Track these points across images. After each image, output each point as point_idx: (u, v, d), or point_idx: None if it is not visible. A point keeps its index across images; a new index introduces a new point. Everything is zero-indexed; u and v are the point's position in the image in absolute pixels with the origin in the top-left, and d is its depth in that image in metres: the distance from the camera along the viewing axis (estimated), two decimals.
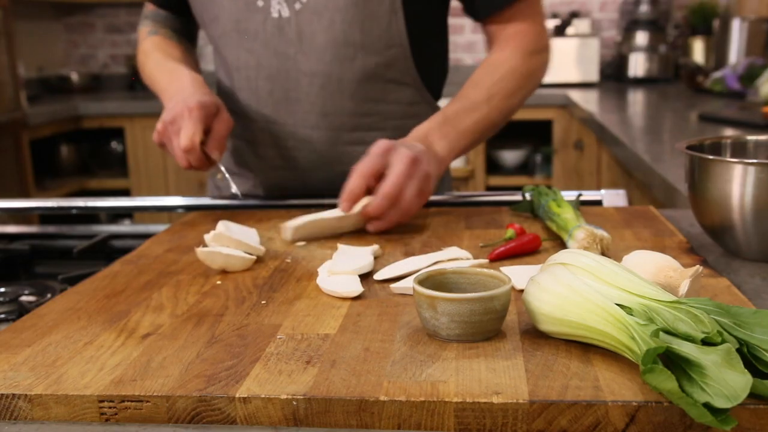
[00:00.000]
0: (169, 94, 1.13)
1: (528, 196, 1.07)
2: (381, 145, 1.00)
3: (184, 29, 1.34)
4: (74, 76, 4.25)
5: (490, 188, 3.66)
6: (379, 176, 0.99)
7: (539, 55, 1.20)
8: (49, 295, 0.89)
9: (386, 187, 0.97)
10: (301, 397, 0.56)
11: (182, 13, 1.30)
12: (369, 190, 1.00)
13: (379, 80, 1.19)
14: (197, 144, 1.04)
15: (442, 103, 1.32)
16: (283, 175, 1.27)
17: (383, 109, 1.22)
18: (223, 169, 1.07)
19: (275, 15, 1.15)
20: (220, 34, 1.21)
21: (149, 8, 1.34)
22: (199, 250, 0.87)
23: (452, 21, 1.27)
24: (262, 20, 1.16)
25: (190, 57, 1.30)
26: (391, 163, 0.99)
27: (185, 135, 1.03)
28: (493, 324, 0.65)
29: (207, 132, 1.07)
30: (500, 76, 1.15)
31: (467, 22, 4.05)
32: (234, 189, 1.13)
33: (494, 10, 1.18)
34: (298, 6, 1.14)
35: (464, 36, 4.13)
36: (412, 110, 1.23)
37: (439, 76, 1.30)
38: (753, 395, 0.52)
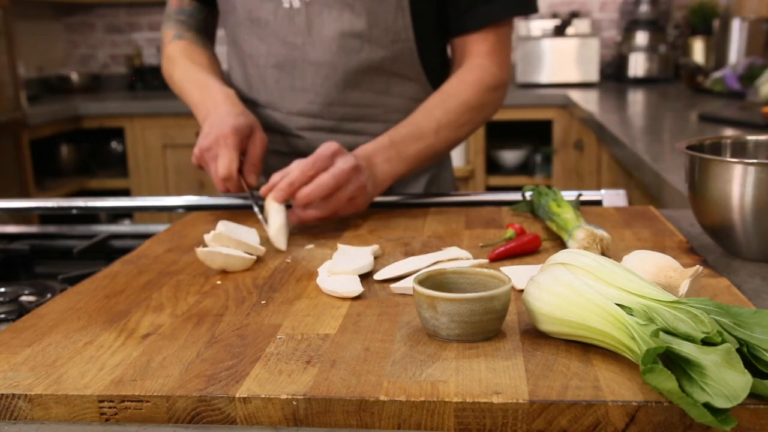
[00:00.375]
0: (203, 111, 1.15)
1: (528, 196, 1.07)
2: (329, 146, 1.02)
3: (207, 27, 1.36)
4: (74, 76, 4.25)
5: (490, 188, 3.65)
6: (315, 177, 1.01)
7: (495, 91, 1.22)
8: (49, 295, 0.89)
9: (325, 177, 0.99)
10: (301, 397, 0.56)
11: (210, 1, 1.32)
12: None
13: (383, 73, 1.21)
14: (234, 172, 1.05)
15: None
16: (287, 161, 1.28)
17: (387, 102, 1.24)
18: (256, 210, 1.07)
19: (286, 5, 1.18)
20: (235, 23, 1.25)
21: (174, 5, 1.35)
22: (199, 250, 0.87)
23: None
24: (274, 10, 1.19)
25: (216, 64, 1.32)
26: (335, 164, 1.01)
27: (222, 164, 1.05)
28: (493, 324, 0.65)
29: (243, 152, 1.10)
30: (452, 107, 1.17)
31: None
32: (266, 227, 1.05)
33: (460, 31, 1.22)
34: None
35: None
36: (415, 105, 1.24)
37: (445, 73, 1.31)
38: (753, 395, 0.52)
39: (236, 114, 1.10)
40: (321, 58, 1.19)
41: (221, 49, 1.40)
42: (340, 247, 0.92)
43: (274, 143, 1.28)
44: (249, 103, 1.29)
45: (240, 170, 1.08)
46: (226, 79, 1.29)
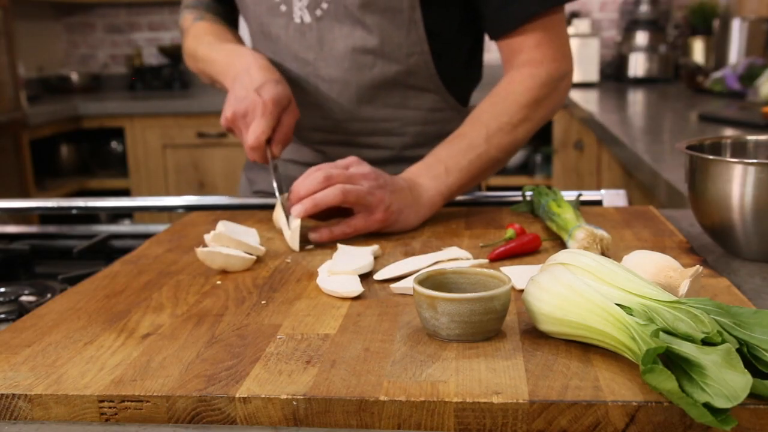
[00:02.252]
0: (231, 73, 1.10)
1: (528, 196, 1.07)
2: (352, 160, 0.99)
3: (228, 16, 1.32)
4: (74, 76, 4.25)
5: (490, 188, 3.65)
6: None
7: (552, 84, 1.12)
8: (49, 295, 0.89)
9: (311, 180, 0.95)
10: (301, 397, 0.56)
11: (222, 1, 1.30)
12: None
13: (398, 87, 1.17)
14: (263, 143, 1.03)
15: (469, 109, 1.30)
16: (300, 172, 1.27)
17: (403, 115, 1.19)
18: (275, 185, 1.05)
19: (297, 20, 1.15)
20: (251, 33, 1.23)
21: None
22: (199, 250, 0.87)
23: None
24: (285, 25, 1.16)
25: (243, 42, 1.27)
26: (351, 175, 0.97)
27: (254, 133, 1.02)
28: (493, 324, 0.65)
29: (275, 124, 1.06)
30: (502, 109, 1.09)
31: None
32: (276, 189, 1.07)
33: (506, 29, 1.13)
34: (319, 12, 1.13)
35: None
36: (434, 116, 1.21)
37: (468, 82, 1.26)
38: (753, 395, 0.52)
39: (275, 81, 1.05)
40: (333, 75, 1.16)
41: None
42: (340, 247, 0.92)
43: (290, 153, 1.26)
44: None
45: (268, 140, 1.05)
46: None
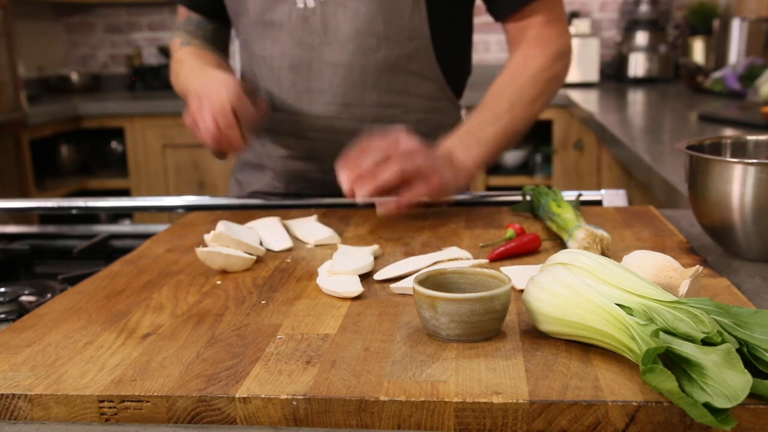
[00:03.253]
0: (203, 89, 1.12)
1: (528, 196, 1.07)
2: (394, 132, 1.00)
3: (217, 38, 1.34)
4: (74, 76, 4.25)
5: (490, 188, 3.65)
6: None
7: (561, 59, 1.20)
8: (49, 295, 0.89)
9: (368, 160, 0.95)
10: (301, 397, 0.56)
11: (215, 15, 1.31)
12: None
13: (401, 72, 1.19)
14: (227, 107, 1.01)
15: (462, 103, 1.32)
16: (304, 166, 1.28)
17: (405, 102, 1.22)
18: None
19: (300, 5, 1.16)
20: (247, 25, 1.23)
21: (182, 17, 1.34)
22: (199, 250, 0.87)
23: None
24: (288, 11, 1.17)
25: (226, 65, 1.30)
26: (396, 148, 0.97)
27: (216, 99, 1.02)
28: (493, 324, 0.65)
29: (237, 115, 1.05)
30: (521, 84, 1.15)
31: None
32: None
33: (513, 9, 1.18)
34: None
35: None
36: (433, 105, 1.23)
37: (461, 73, 1.30)
38: (753, 395, 0.52)
39: (238, 78, 1.07)
40: (338, 59, 1.17)
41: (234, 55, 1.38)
42: (340, 247, 0.92)
43: (291, 148, 1.27)
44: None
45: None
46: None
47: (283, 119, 1.25)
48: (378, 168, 0.94)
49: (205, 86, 1.06)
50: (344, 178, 0.95)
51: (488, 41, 4.00)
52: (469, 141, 1.10)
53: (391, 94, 1.21)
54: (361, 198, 0.94)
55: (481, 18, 1.40)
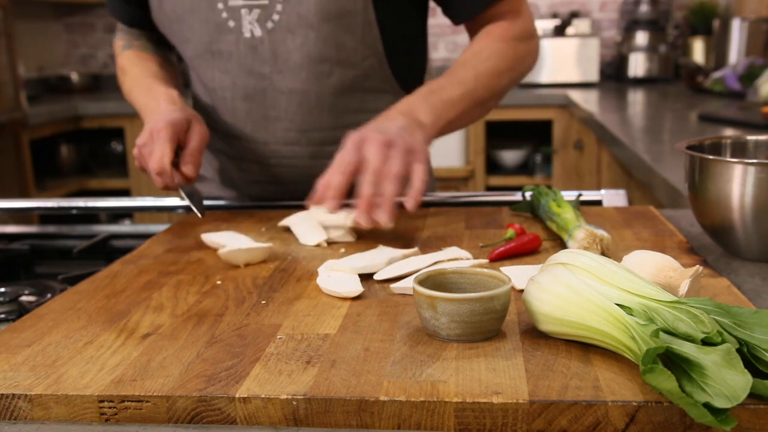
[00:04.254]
0: (147, 114, 1.14)
1: (528, 196, 1.07)
2: (353, 138, 0.94)
3: (160, 41, 1.30)
4: (74, 76, 4.25)
5: (490, 188, 3.65)
6: (356, 171, 0.92)
7: (526, 41, 1.17)
8: (49, 295, 0.89)
9: (365, 187, 0.90)
10: (301, 397, 0.56)
11: (153, 30, 1.27)
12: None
13: (357, 91, 1.17)
14: (167, 165, 1.03)
15: None
16: (268, 189, 1.26)
17: (363, 119, 1.15)
18: (183, 195, 1.07)
19: (247, 35, 1.13)
20: (193, 55, 1.19)
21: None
22: (222, 252, 0.89)
23: (444, 20, 1.25)
24: (235, 40, 1.14)
25: (167, 67, 1.28)
26: (365, 156, 0.92)
27: (154, 159, 1.03)
28: (493, 324, 0.65)
29: (182, 148, 1.07)
30: (487, 56, 1.13)
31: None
32: (195, 211, 1.09)
33: (471, 15, 1.16)
34: (270, 25, 1.11)
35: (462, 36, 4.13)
36: None
37: (417, 72, 1.27)
38: (753, 395, 0.52)
39: (172, 110, 1.08)
40: (291, 86, 1.14)
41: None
42: (380, 247, 0.91)
43: (254, 173, 1.25)
44: (219, 132, 1.25)
45: (177, 164, 1.06)
46: (182, 82, 1.27)
47: (242, 147, 1.23)
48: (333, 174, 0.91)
49: (143, 135, 1.06)
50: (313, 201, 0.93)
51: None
52: (431, 99, 1.05)
53: (349, 114, 1.18)
54: (361, 222, 0.90)
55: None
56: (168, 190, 1.07)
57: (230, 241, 0.94)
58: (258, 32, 1.12)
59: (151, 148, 1.04)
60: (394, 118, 0.99)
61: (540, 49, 1.23)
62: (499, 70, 1.13)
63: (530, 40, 1.19)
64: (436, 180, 1.45)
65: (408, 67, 1.23)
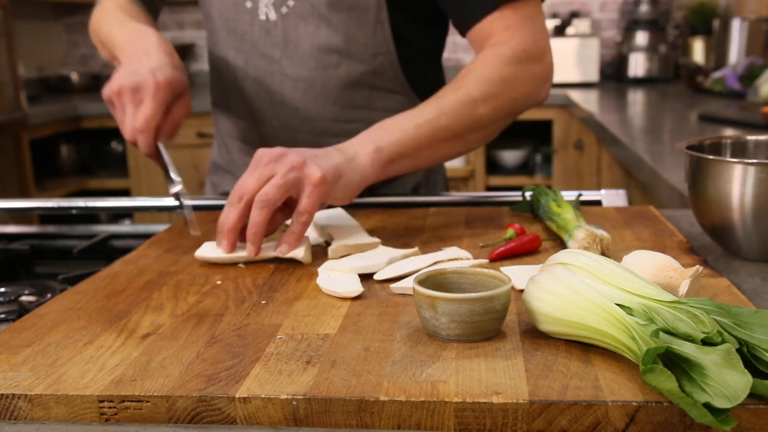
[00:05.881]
0: (130, 51, 1.03)
1: (528, 196, 1.07)
2: (267, 154, 0.89)
3: (150, 4, 1.27)
4: (74, 76, 4.25)
5: (490, 188, 3.66)
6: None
7: (523, 64, 1.04)
8: (49, 295, 0.89)
9: (229, 212, 0.87)
10: (301, 397, 0.56)
11: None
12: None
13: (364, 87, 1.16)
14: (152, 128, 0.96)
15: None
16: None
17: (369, 116, 1.15)
18: (172, 171, 0.99)
19: (263, 17, 1.14)
20: (213, 30, 1.21)
21: None
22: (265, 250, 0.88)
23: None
24: (250, 21, 1.15)
25: (154, 25, 1.21)
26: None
27: (143, 115, 0.95)
28: (493, 324, 0.65)
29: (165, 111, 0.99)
30: (461, 84, 1.02)
31: None
32: (174, 189, 1.01)
33: (473, 21, 1.07)
34: (284, 10, 1.12)
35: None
36: None
37: (433, 84, 1.23)
38: (753, 395, 0.52)
39: (174, 66, 1.00)
40: (299, 73, 1.15)
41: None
42: (380, 247, 0.91)
43: (252, 155, 1.25)
44: (228, 111, 1.25)
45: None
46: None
47: (247, 127, 1.24)
48: (239, 217, 0.87)
49: (136, 76, 0.96)
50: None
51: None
52: (375, 134, 0.96)
53: (354, 109, 1.17)
54: (249, 254, 0.87)
55: None
56: (134, 144, 0.98)
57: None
58: (273, 16, 1.13)
59: (142, 98, 0.96)
60: (323, 150, 0.93)
61: (550, 74, 1.09)
62: (472, 97, 1.00)
63: (529, 62, 1.05)
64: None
65: (423, 72, 1.21)
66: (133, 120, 0.96)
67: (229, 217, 0.88)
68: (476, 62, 1.05)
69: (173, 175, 0.99)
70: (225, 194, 1.33)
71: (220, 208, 1.25)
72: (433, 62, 1.26)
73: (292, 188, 0.87)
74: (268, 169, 0.87)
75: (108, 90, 0.99)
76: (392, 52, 1.14)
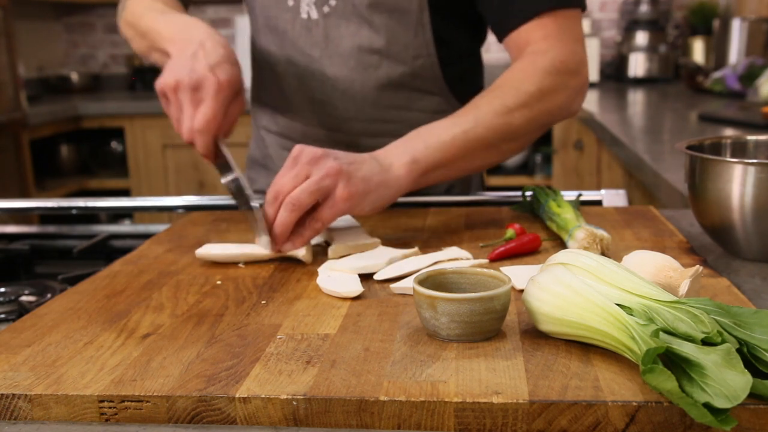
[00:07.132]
0: (181, 44, 0.97)
1: (528, 196, 1.07)
2: (306, 153, 0.89)
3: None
4: (74, 76, 4.25)
5: (490, 188, 3.65)
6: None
7: (560, 75, 1.02)
8: (49, 295, 0.89)
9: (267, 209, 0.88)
10: (301, 397, 0.56)
11: None
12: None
13: (404, 89, 1.16)
14: (213, 129, 0.92)
15: None
16: None
17: (407, 117, 1.17)
18: (234, 168, 0.95)
19: (304, 16, 1.14)
20: (255, 27, 1.23)
21: None
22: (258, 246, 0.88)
23: None
24: (291, 19, 1.16)
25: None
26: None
27: (203, 116, 0.91)
28: (493, 324, 0.65)
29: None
30: (497, 94, 1.01)
31: None
32: (246, 191, 0.96)
33: (512, 26, 1.06)
34: (326, 9, 1.13)
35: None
36: (438, 118, 1.14)
37: (472, 86, 1.22)
38: (753, 395, 0.52)
39: (231, 62, 0.95)
40: (338, 73, 1.15)
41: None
42: (380, 247, 0.91)
43: (289, 150, 1.24)
44: (268, 106, 1.27)
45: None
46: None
47: (286, 124, 1.25)
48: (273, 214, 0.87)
49: (195, 73, 0.91)
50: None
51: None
52: (411, 143, 0.96)
53: (392, 110, 1.17)
54: (271, 251, 0.89)
55: None
56: (191, 145, 0.94)
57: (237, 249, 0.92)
58: (314, 14, 1.13)
59: (203, 97, 0.91)
60: (361, 157, 0.92)
61: (585, 87, 1.07)
62: (508, 108, 0.99)
63: (567, 75, 1.03)
64: None
65: (462, 76, 1.21)
66: (193, 121, 0.92)
67: (269, 216, 0.89)
68: (514, 71, 1.04)
69: (236, 172, 0.95)
70: (259, 192, 1.32)
71: (219, 207, 1.25)
72: (472, 63, 1.26)
73: (322, 196, 0.87)
74: (305, 170, 0.88)
75: (163, 83, 0.93)
76: (432, 54, 1.14)
